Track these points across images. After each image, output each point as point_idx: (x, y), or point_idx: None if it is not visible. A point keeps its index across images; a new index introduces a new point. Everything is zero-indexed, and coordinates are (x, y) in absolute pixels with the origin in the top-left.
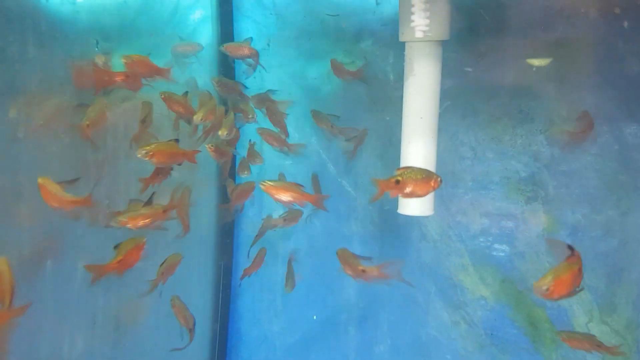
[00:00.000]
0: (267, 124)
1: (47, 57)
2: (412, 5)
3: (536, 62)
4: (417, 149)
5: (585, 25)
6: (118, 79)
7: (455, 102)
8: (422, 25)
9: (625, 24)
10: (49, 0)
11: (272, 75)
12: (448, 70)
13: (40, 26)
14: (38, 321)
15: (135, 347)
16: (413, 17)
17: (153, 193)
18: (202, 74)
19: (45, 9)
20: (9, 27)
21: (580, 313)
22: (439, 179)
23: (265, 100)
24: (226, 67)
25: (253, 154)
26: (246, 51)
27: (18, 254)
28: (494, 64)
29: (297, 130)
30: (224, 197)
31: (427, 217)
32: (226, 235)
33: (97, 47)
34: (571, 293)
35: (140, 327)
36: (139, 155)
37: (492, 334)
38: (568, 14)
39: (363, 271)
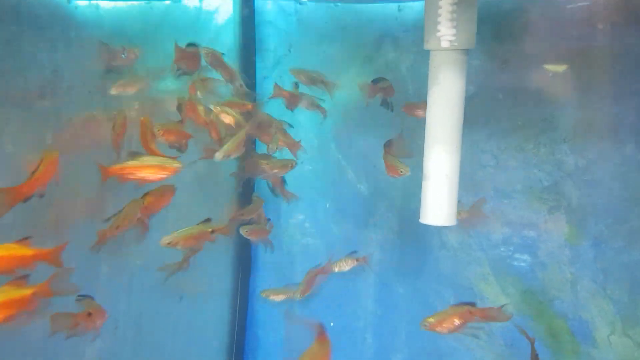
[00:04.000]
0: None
1: (75, 64)
2: (439, 15)
3: (555, 68)
4: (440, 158)
5: (610, 33)
6: None
7: (478, 109)
8: (448, 35)
9: None
10: (77, 7)
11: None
12: (471, 78)
13: (70, 33)
14: None
15: (156, 352)
16: (439, 27)
17: None
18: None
19: (74, 15)
20: (40, 34)
21: (602, 325)
22: None
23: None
24: (247, 71)
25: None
26: None
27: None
28: (517, 72)
29: (317, 137)
30: (241, 205)
31: (447, 225)
32: (245, 242)
33: (124, 55)
34: None
35: (161, 332)
36: None
37: (511, 345)
38: (593, 22)
39: None
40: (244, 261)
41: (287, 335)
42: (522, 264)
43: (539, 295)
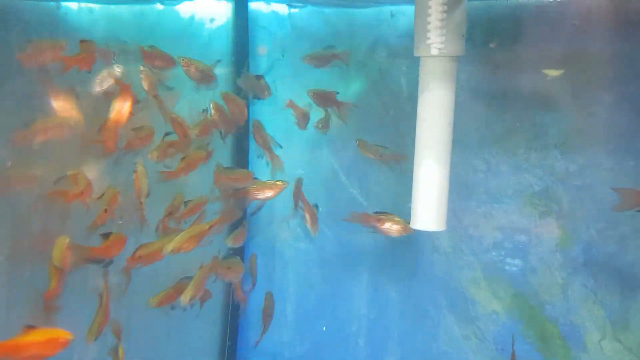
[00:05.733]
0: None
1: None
2: (428, 23)
3: (552, 72)
4: (430, 163)
5: (602, 39)
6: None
7: (470, 114)
8: (437, 42)
9: None
10: (66, 14)
11: (286, 85)
12: (462, 83)
13: (58, 37)
14: None
15: (146, 357)
16: (428, 35)
17: None
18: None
19: (64, 20)
20: (28, 39)
21: (593, 329)
22: None
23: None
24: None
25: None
26: None
27: (31, 263)
28: (508, 77)
29: (310, 141)
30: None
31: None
32: (237, 246)
33: (114, 60)
34: None
35: (151, 337)
36: None
37: (503, 350)
38: (584, 28)
39: None
40: None
41: (280, 339)
42: (514, 269)
43: (530, 300)
